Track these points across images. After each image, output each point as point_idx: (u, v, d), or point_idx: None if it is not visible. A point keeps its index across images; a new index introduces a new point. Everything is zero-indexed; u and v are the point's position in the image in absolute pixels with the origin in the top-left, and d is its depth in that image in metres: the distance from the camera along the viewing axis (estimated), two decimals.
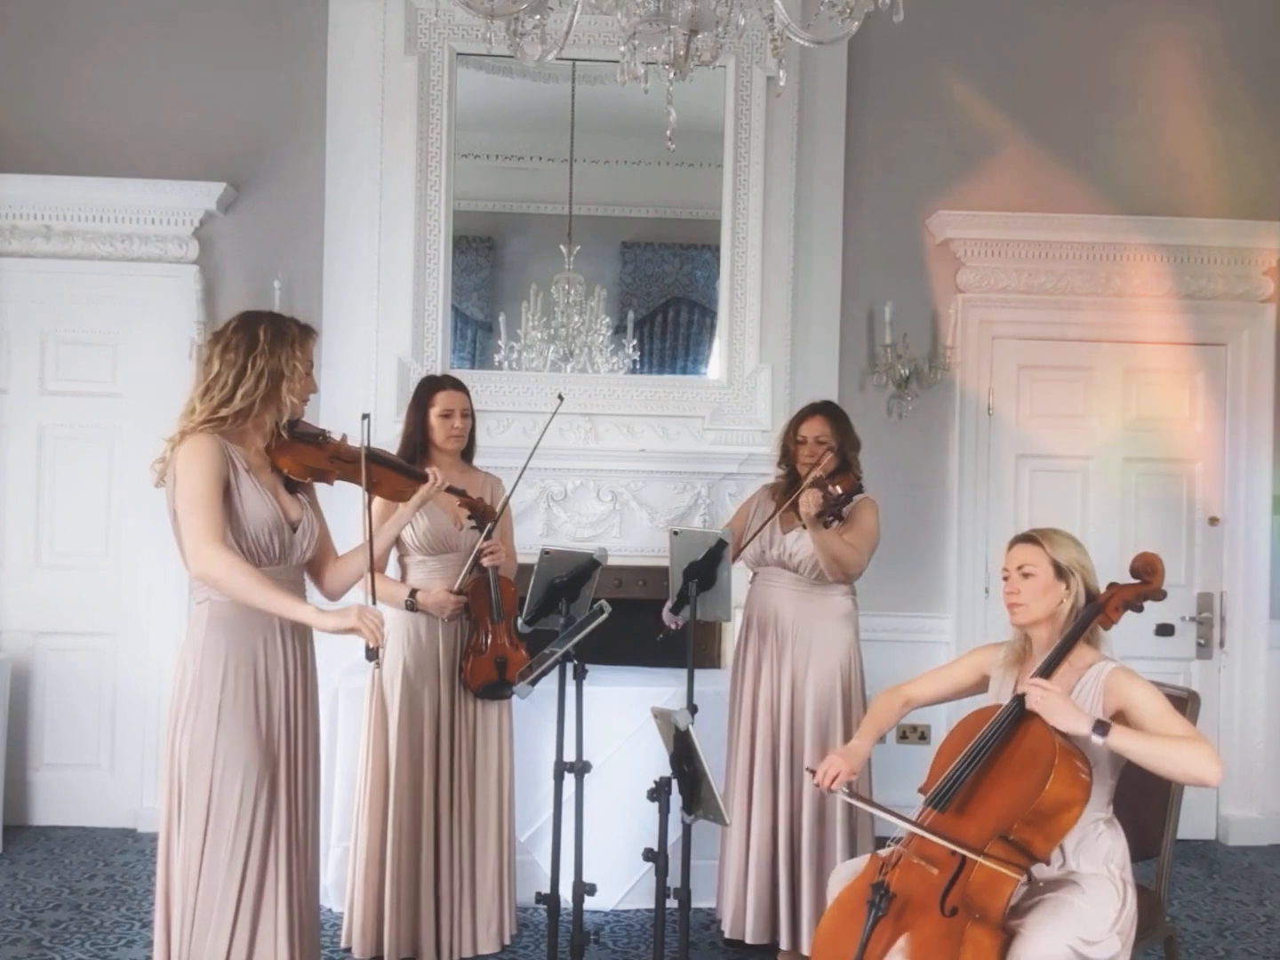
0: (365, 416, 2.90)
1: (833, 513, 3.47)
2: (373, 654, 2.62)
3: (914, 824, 2.62)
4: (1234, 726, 5.21)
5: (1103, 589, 2.80)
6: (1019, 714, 2.63)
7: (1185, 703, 3.01)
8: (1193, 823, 4.98)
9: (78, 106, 5.00)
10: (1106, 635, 2.80)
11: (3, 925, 3.94)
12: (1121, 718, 2.63)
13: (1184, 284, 5.18)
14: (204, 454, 2.62)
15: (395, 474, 3.10)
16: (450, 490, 3.37)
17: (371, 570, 2.83)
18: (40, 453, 5.04)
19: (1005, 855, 2.49)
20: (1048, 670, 2.67)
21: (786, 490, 3.78)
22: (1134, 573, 2.80)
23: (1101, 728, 2.53)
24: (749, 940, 3.73)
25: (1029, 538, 2.83)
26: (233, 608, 2.69)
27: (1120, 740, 2.53)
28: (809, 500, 3.47)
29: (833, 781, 2.77)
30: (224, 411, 2.66)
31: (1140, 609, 2.77)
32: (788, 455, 3.84)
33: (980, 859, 2.48)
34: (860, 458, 3.83)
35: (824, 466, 3.62)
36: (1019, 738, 2.61)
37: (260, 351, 2.69)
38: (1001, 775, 2.60)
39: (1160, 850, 3.02)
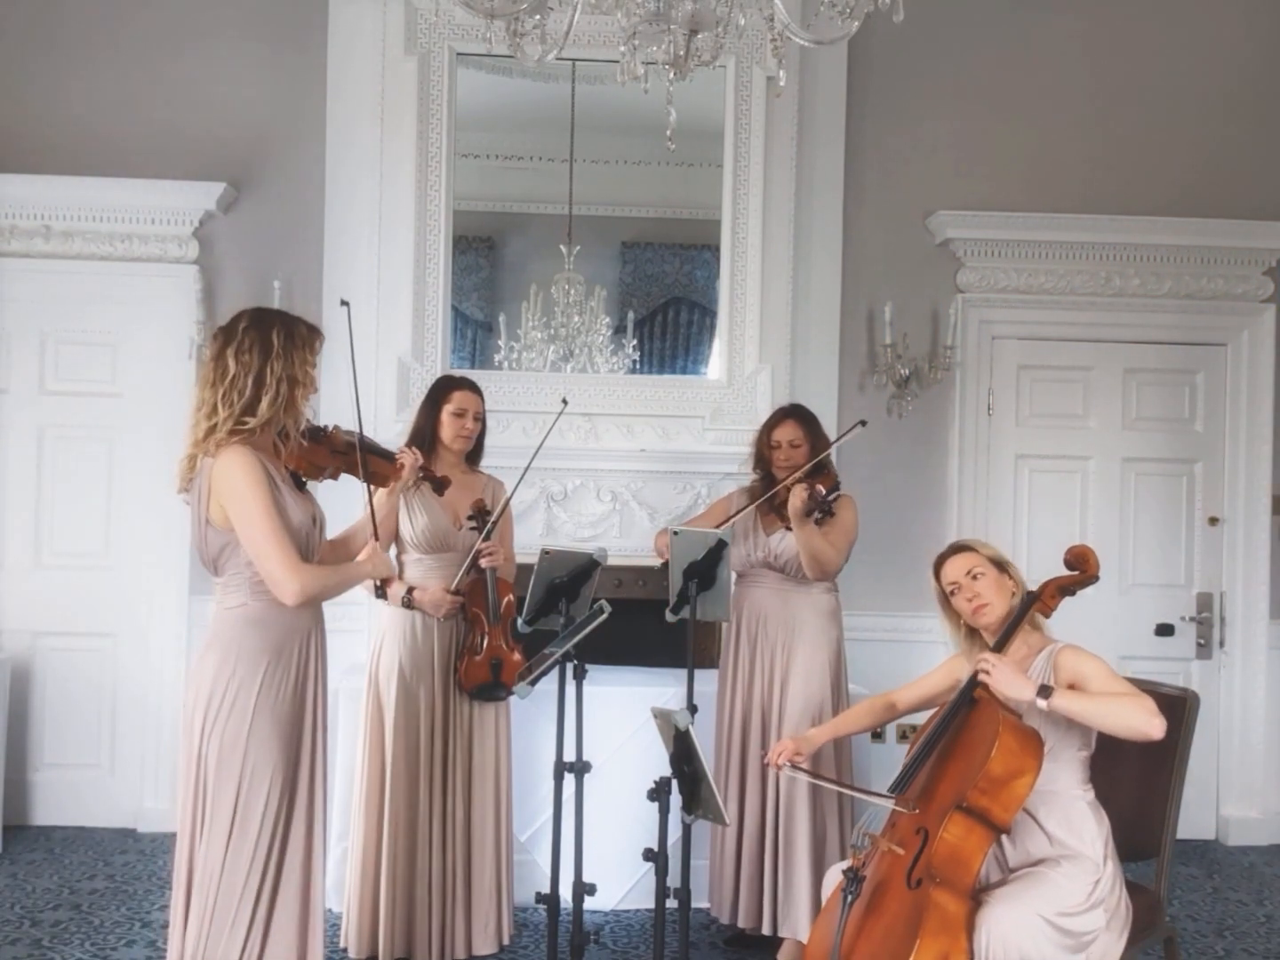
0: (344, 303, 2.95)
1: (822, 509, 3.50)
2: (382, 591, 3.01)
3: (849, 787, 2.80)
4: (1234, 726, 5.21)
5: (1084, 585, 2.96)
6: (970, 699, 2.77)
7: (1185, 702, 3.03)
8: (1193, 823, 4.98)
9: (78, 106, 5.00)
10: (1048, 624, 2.95)
11: (3, 925, 3.94)
12: (1076, 689, 2.75)
13: (1184, 284, 5.18)
14: (252, 471, 2.60)
15: (382, 461, 3.17)
16: (423, 472, 3.39)
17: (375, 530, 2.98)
18: (40, 453, 5.04)
19: (966, 825, 2.60)
20: (998, 648, 2.82)
21: (763, 493, 3.82)
22: (1068, 564, 2.94)
23: (1045, 691, 2.67)
24: (741, 924, 3.76)
25: (959, 548, 3.00)
26: (269, 610, 2.68)
27: (1062, 702, 2.67)
28: (796, 497, 3.51)
29: (778, 757, 2.92)
30: (251, 423, 2.64)
31: (1074, 594, 2.93)
32: (762, 460, 3.90)
33: (897, 808, 2.64)
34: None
35: (802, 469, 3.69)
36: (971, 720, 2.75)
37: (276, 357, 2.67)
38: (956, 754, 2.73)
39: (1160, 850, 3.02)
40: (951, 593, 2.96)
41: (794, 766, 2.94)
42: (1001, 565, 2.94)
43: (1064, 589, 2.89)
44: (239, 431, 2.64)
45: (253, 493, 2.59)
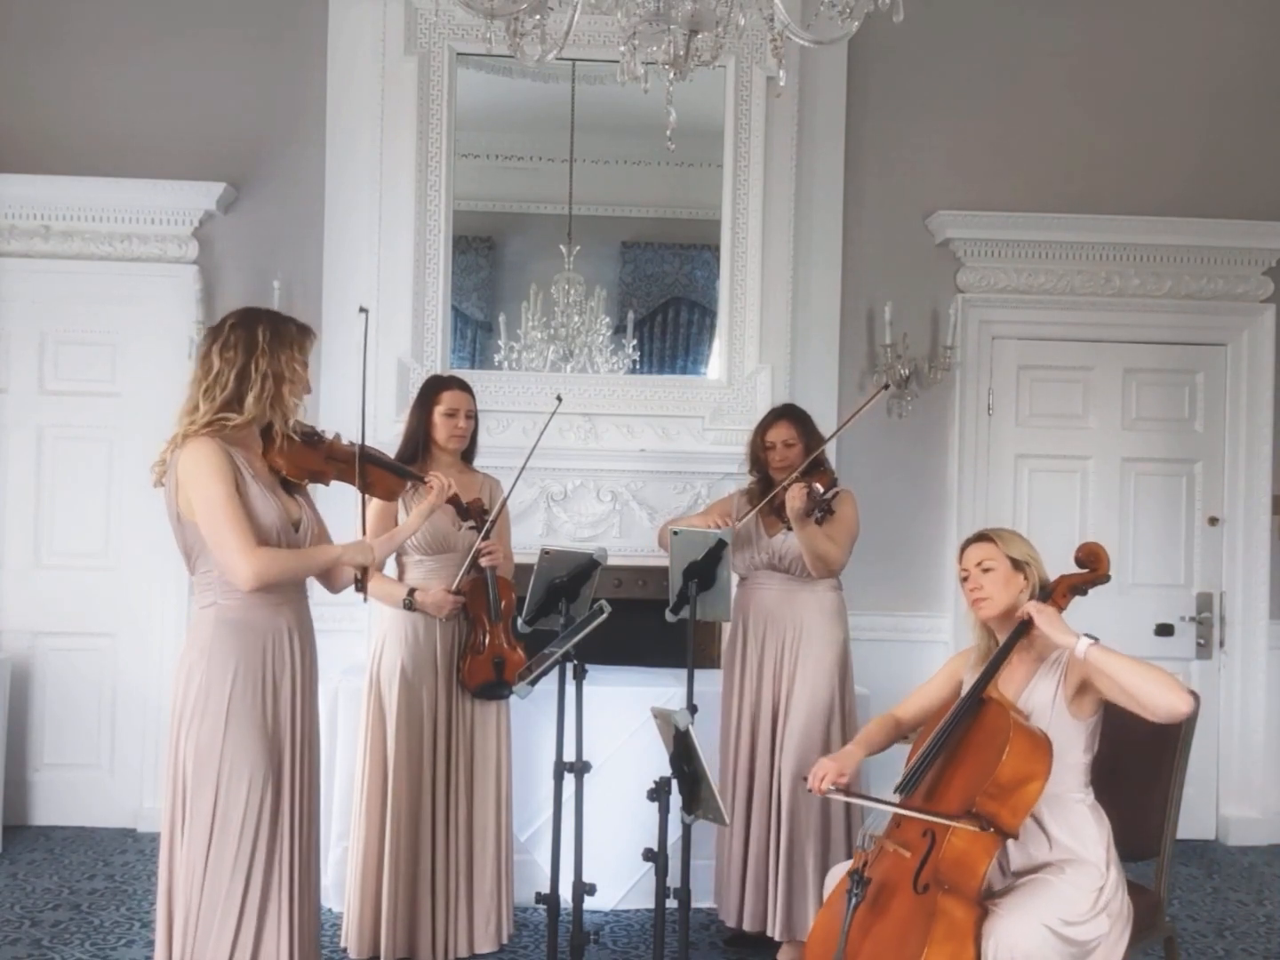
0: (363, 310, 2.90)
1: (822, 509, 3.50)
2: (362, 585, 2.88)
3: (888, 803, 2.72)
4: (1234, 726, 5.21)
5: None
6: (979, 699, 2.74)
7: None
8: (1193, 823, 4.98)
9: (78, 106, 5.00)
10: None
11: (3, 925, 3.94)
12: (1086, 688, 2.74)
13: (1184, 284, 5.18)
14: (214, 459, 2.60)
15: (389, 474, 3.10)
16: (451, 501, 3.32)
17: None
18: (40, 453, 5.04)
19: (973, 830, 2.57)
20: (1008, 647, 2.80)
21: (761, 495, 3.83)
22: (1079, 562, 2.94)
23: (1091, 638, 2.65)
24: (747, 927, 3.75)
25: (982, 536, 2.99)
26: (241, 610, 2.68)
27: (1101, 654, 2.64)
28: (795, 498, 3.50)
29: (821, 782, 2.84)
30: (236, 419, 2.65)
31: (1085, 593, 2.92)
32: (758, 462, 3.90)
33: (948, 822, 2.57)
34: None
35: (797, 469, 3.69)
36: (979, 721, 2.72)
37: (261, 353, 2.67)
38: (964, 756, 2.70)
39: (1160, 850, 3.02)
40: (963, 578, 2.96)
41: (838, 789, 2.85)
42: (1021, 564, 2.90)
43: (1075, 588, 2.88)
44: (217, 424, 2.64)
45: (211, 480, 2.58)
